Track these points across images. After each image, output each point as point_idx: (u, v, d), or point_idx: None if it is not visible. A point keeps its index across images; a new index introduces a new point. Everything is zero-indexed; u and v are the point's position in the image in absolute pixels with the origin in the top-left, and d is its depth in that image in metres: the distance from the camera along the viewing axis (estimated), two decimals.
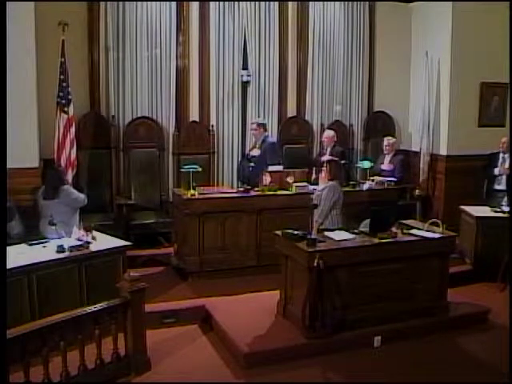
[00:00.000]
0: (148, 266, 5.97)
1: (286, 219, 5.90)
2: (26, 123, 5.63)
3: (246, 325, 4.74)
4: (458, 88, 7.61)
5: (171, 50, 7.04)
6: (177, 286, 5.67)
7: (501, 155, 7.12)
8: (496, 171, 7.10)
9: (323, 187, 5.50)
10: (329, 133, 7.24)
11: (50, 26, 5.89)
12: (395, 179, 7.02)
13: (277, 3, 7.46)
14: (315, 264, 4.38)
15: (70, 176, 5.93)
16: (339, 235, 4.91)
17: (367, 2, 7.98)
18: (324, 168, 5.53)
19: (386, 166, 7.34)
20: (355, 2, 7.89)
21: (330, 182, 5.47)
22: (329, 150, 7.16)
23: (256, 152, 6.74)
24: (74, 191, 5.36)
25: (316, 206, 5.68)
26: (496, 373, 4.31)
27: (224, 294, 5.35)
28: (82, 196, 5.37)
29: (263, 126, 6.86)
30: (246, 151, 7.25)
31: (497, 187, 7.10)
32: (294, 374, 4.23)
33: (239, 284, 5.63)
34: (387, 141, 7.43)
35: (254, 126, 6.82)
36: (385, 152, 7.44)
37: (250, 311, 5.04)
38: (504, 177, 7.03)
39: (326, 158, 6.63)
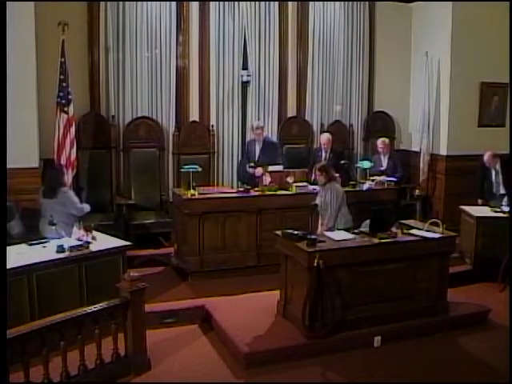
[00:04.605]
0: (148, 266, 5.96)
1: (285, 219, 5.92)
2: (26, 123, 5.64)
3: (246, 325, 4.74)
4: (458, 88, 7.62)
5: (171, 50, 7.04)
6: (177, 286, 5.67)
7: (493, 172, 6.97)
8: (494, 190, 6.95)
9: (324, 192, 5.50)
10: (328, 136, 7.14)
11: (50, 25, 5.89)
12: (398, 178, 7.02)
13: (277, 3, 7.46)
14: (315, 264, 4.38)
15: (69, 176, 5.92)
16: (339, 235, 4.91)
17: (367, 2, 7.98)
18: (318, 174, 5.55)
19: (385, 166, 7.32)
20: (355, 2, 7.89)
21: (331, 185, 5.48)
22: (328, 152, 7.10)
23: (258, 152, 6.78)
24: (73, 196, 5.26)
25: (316, 206, 5.70)
26: (496, 373, 4.31)
27: (224, 294, 5.35)
28: (83, 206, 5.27)
29: (263, 127, 6.92)
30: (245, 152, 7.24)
31: (496, 192, 7.03)
32: (294, 373, 4.23)
33: (239, 284, 5.63)
34: (383, 142, 7.40)
35: (259, 130, 6.79)
36: (381, 153, 7.41)
37: (250, 311, 5.04)
38: (501, 184, 6.93)
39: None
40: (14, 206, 5.27)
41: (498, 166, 6.92)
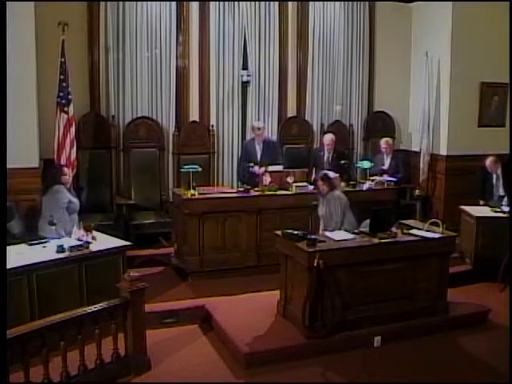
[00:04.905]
0: (148, 266, 5.96)
1: (285, 219, 5.92)
2: (26, 123, 5.62)
3: (246, 325, 4.74)
4: (458, 88, 7.61)
5: (171, 50, 7.04)
6: (177, 286, 5.66)
7: (494, 176, 6.92)
8: (494, 192, 6.93)
9: (326, 201, 5.43)
10: (331, 137, 7.08)
11: (50, 25, 5.89)
12: (399, 179, 7.02)
13: (277, 3, 7.46)
14: (315, 264, 4.38)
15: (70, 176, 5.90)
16: (339, 235, 4.91)
17: (367, 2, 7.98)
18: (321, 183, 5.48)
19: (387, 166, 7.30)
20: (355, 2, 7.89)
21: (334, 193, 5.41)
22: (331, 153, 7.05)
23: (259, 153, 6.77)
24: (63, 195, 5.16)
25: (316, 206, 5.68)
26: (496, 373, 4.32)
27: (224, 294, 5.35)
28: (66, 217, 5.11)
29: (263, 128, 6.93)
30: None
31: (496, 193, 7.00)
32: (294, 373, 4.23)
33: (239, 284, 5.63)
34: (386, 142, 7.39)
35: (260, 131, 6.78)
36: (384, 153, 7.40)
37: (250, 311, 5.04)
38: (501, 187, 6.91)
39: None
40: (13, 206, 5.26)
41: (499, 171, 6.89)
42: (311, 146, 7.85)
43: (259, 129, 6.80)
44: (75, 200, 5.33)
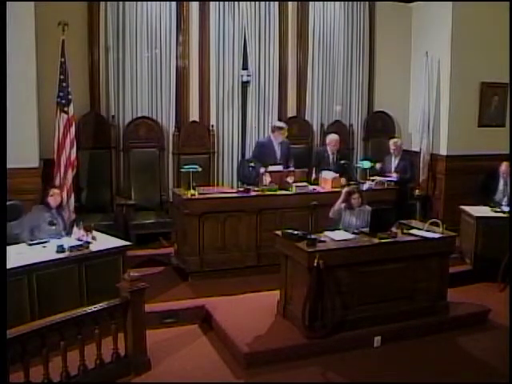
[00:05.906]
0: (148, 266, 5.96)
1: (285, 219, 5.91)
2: (26, 123, 5.63)
3: (246, 325, 4.74)
4: (458, 88, 7.61)
5: (171, 50, 7.04)
6: (177, 286, 5.66)
7: (501, 181, 6.85)
8: (497, 198, 6.83)
9: (360, 213, 5.30)
10: (336, 137, 6.94)
11: (50, 26, 5.88)
12: (406, 179, 7.00)
13: (277, 3, 7.46)
14: (315, 264, 4.38)
15: (69, 176, 5.91)
16: (339, 235, 4.91)
17: (367, 2, 7.98)
18: (357, 197, 5.32)
19: (395, 167, 7.24)
20: (355, 2, 7.89)
21: (365, 206, 5.32)
22: (335, 154, 6.98)
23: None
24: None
25: (316, 206, 5.66)
26: (496, 373, 4.32)
27: (224, 294, 5.35)
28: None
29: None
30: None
31: (502, 198, 6.95)
32: (294, 373, 4.23)
33: (239, 284, 5.63)
34: (395, 144, 7.30)
35: (283, 131, 6.67)
36: (392, 154, 7.33)
37: (250, 311, 5.04)
38: (505, 191, 6.85)
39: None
40: (22, 205, 5.21)
41: (508, 177, 6.82)
42: (311, 145, 7.85)
43: (281, 128, 6.71)
44: (52, 228, 4.91)
